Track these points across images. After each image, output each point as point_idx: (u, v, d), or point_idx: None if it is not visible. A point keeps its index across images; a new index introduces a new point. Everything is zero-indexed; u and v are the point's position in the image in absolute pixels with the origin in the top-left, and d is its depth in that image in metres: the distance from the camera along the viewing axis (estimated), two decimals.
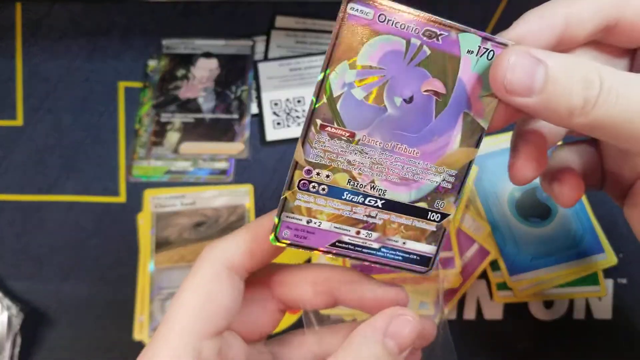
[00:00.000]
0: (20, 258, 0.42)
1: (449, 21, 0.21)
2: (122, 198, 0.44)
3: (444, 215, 0.23)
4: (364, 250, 0.23)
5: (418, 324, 0.23)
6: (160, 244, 0.42)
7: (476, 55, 0.22)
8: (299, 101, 0.46)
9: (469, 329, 0.40)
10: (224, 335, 0.23)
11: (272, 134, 0.45)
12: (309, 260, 0.42)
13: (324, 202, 0.23)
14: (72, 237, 0.43)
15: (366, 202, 0.23)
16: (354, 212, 0.23)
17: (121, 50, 0.48)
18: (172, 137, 0.45)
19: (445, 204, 0.23)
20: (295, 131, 0.45)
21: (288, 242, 0.22)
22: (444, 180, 0.23)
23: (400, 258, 0.23)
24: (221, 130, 0.45)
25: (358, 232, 0.23)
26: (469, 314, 0.41)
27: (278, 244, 0.22)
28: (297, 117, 0.45)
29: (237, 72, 0.47)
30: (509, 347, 0.40)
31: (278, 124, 0.45)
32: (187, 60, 0.47)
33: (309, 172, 0.23)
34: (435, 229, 0.23)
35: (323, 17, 0.48)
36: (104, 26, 0.48)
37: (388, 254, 0.23)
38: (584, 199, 0.42)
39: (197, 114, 0.45)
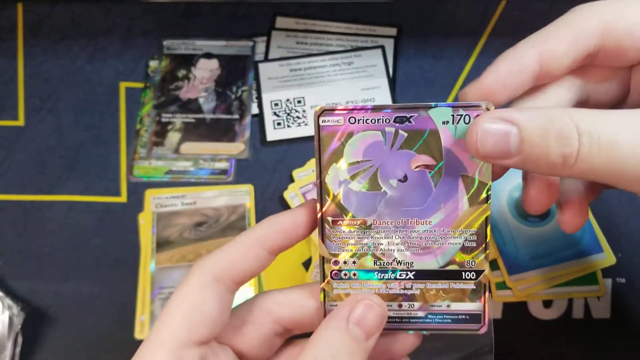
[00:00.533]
0: (22, 258, 0.43)
1: (412, 104, 0.22)
2: (123, 198, 0.44)
3: (478, 272, 0.23)
4: (411, 320, 0.24)
5: (383, 309, 0.23)
6: (161, 244, 0.42)
7: (453, 123, 0.22)
8: (299, 101, 0.46)
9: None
10: (211, 346, 0.23)
11: (273, 134, 0.45)
12: (308, 261, 0.42)
13: (358, 285, 0.24)
14: (73, 236, 0.43)
15: (397, 276, 0.24)
16: (390, 288, 0.24)
17: (122, 51, 0.48)
18: (173, 137, 0.45)
19: (476, 261, 0.23)
20: (296, 131, 0.45)
21: None
22: (466, 240, 0.23)
23: (449, 321, 0.24)
24: (222, 131, 0.45)
25: (400, 305, 0.24)
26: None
27: None
28: (298, 117, 0.45)
29: (237, 73, 0.47)
30: (508, 347, 0.40)
31: (278, 124, 0.45)
32: (188, 61, 0.47)
33: (336, 262, 0.24)
34: (474, 287, 0.24)
35: (323, 18, 0.48)
36: (105, 27, 0.49)
37: (436, 319, 0.24)
38: None
39: (197, 114, 0.46)
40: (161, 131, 0.45)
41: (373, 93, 0.46)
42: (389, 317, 0.24)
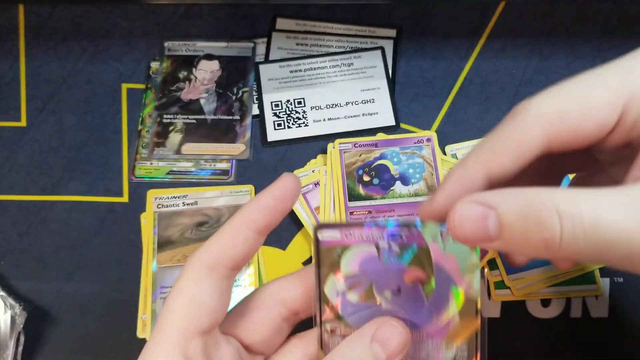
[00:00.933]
0: (24, 257, 0.43)
1: (405, 220, 0.23)
2: (124, 198, 0.44)
3: None
4: None
5: (407, 335, 0.23)
6: (163, 244, 0.42)
7: (442, 240, 0.23)
8: (299, 102, 0.46)
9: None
10: (213, 335, 0.23)
11: (273, 134, 0.45)
12: (308, 261, 0.42)
13: None
14: (75, 236, 0.43)
15: None
16: None
17: (123, 52, 0.48)
18: (175, 138, 0.45)
19: None
20: (296, 132, 0.45)
21: None
22: (457, 354, 0.24)
23: None
24: (223, 131, 0.45)
25: None
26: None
27: None
28: (298, 118, 0.46)
29: (238, 74, 0.47)
30: (507, 345, 0.40)
31: (279, 125, 0.46)
32: (189, 62, 0.48)
33: None
34: None
35: (323, 19, 0.49)
36: (106, 28, 0.49)
37: None
38: None
39: (199, 115, 0.46)
40: (163, 132, 0.45)
41: (373, 94, 0.46)
42: None
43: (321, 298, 0.24)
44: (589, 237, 0.18)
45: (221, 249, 0.23)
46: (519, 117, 0.22)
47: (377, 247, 0.24)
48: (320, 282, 0.24)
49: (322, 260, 0.24)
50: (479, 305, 0.23)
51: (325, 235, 0.24)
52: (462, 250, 0.23)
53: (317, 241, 0.24)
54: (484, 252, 0.41)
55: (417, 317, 0.24)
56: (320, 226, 0.24)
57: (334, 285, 0.24)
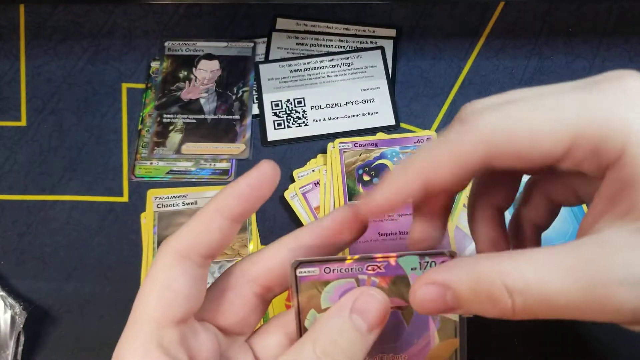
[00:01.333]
0: (24, 257, 0.43)
1: (382, 254, 0.23)
2: (124, 198, 0.44)
3: None
4: None
5: (386, 302, 0.23)
6: None
7: (420, 269, 0.24)
8: (299, 102, 0.46)
9: (467, 326, 0.41)
10: (190, 323, 0.23)
11: (273, 134, 0.45)
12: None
13: None
14: (76, 236, 0.43)
15: None
16: None
17: (123, 52, 0.48)
18: (175, 137, 0.45)
19: None
20: (296, 132, 0.45)
21: None
22: None
23: None
24: (223, 131, 0.46)
25: None
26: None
27: None
28: (298, 118, 0.46)
29: (238, 74, 0.48)
30: (507, 344, 0.40)
31: (279, 124, 0.46)
32: (189, 62, 0.48)
33: None
34: None
35: (323, 19, 0.49)
36: (107, 28, 0.49)
37: None
38: None
39: (199, 115, 0.46)
40: (163, 132, 0.45)
41: (373, 94, 0.46)
42: None
43: (302, 332, 0.24)
44: (539, 307, 0.19)
45: (194, 237, 0.23)
46: (464, 129, 0.22)
47: (357, 280, 0.24)
48: (300, 317, 0.24)
49: (302, 295, 0.24)
50: (457, 326, 0.24)
51: (304, 272, 0.24)
52: None
53: (295, 278, 0.24)
54: None
55: (399, 341, 0.25)
56: (299, 263, 0.24)
57: (314, 318, 0.24)
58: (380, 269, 0.24)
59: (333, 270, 0.24)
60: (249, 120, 0.46)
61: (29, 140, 0.46)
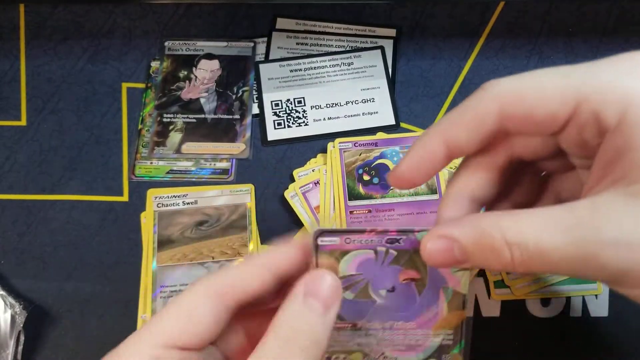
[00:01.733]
0: (24, 257, 0.43)
1: (403, 228, 0.25)
2: (125, 197, 0.44)
3: None
4: None
5: (335, 281, 0.24)
6: (163, 243, 0.42)
7: None
8: (299, 102, 0.46)
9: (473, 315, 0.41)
10: (192, 355, 0.23)
11: (273, 134, 0.45)
12: None
13: None
14: (76, 236, 0.43)
15: None
16: None
17: (124, 52, 0.48)
18: (175, 137, 0.45)
19: (450, 356, 0.27)
20: (296, 131, 0.45)
21: None
22: (443, 339, 0.26)
23: None
24: (223, 131, 0.46)
25: None
26: (467, 311, 0.41)
27: None
28: (298, 117, 0.46)
29: (238, 73, 0.48)
30: (506, 344, 0.41)
31: (279, 124, 0.46)
32: (189, 62, 0.48)
33: (328, 359, 0.26)
34: None
35: (323, 19, 0.49)
36: (107, 28, 0.49)
37: None
38: None
39: (199, 115, 0.46)
40: (163, 131, 0.45)
41: (373, 93, 0.46)
42: None
43: None
44: (535, 260, 0.20)
45: (235, 281, 0.24)
46: (481, 93, 0.23)
47: (376, 251, 0.25)
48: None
49: (320, 262, 0.25)
50: (466, 299, 0.26)
51: (325, 241, 0.25)
52: None
53: (316, 246, 0.24)
54: None
55: (409, 310, 0.26)
56: (320, 232, 0.24)
57: None
58: (399, 242, 0.25)
59: (353, 240, 0.25)
60: (249, 119, 0.46)
61: (29, 139, 0.46)
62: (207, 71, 0.47)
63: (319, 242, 0.25)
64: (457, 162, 0.43)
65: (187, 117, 0.46)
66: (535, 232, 0.20)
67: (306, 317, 0.23)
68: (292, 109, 0.46)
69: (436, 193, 0.41)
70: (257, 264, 0.24)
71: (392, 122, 0.46)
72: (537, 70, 0.23)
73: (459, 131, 0.23)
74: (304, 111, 0.46)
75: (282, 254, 0.24)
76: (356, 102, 0.46)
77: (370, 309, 0.26)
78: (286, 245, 0.25)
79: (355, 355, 0.26)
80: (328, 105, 0.46)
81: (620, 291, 0.21)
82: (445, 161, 0.24)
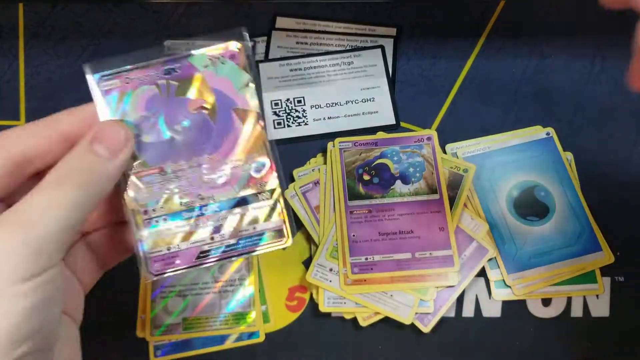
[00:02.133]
0: None
1: (173, 55, 0.26)
2: None
3: (272, 192, 0.27)
4: (226, 249, 0.26)
5: (125, 129, 0.24)
6: None
7: (213, 65, 0.26)
8: (299, 101, 0.46)
9: (468, 326, 0.41)
10: None
11: (273, 133, 0.45)
12: (308, 260, 0.42)
13: (171, 227, 0.26)
14: None
15: (204, 212, 0.26)
16: (199, 225, 0.26)
17: (123, 51, 0.48)
18: None
19: (268, 182, 0.27)
20: (296, 131, 0.45)
21: (163, 272, 0.26)
22: (255, 165, 0.26)
23: (258, 241, 0.27)
24: None
25: (212, 238, 0.26)
26: (468, 311, 0.41)
27: (155, 278, 0.26)
28: (298, 117, 0.46)
29: None
30: (507, 345, 0.40)
31: (279, 123, 0.46)
32: None
33: (145, 212, 0.26)
34: (272, 204, 0.27)
35: (323, 18, 0.49)
36: (106, 27, 0.49)
37: (248, 243, 0.27)
38: (581, 197, 0.42)
39: None
40: None
41: (373, 93, 0.46)
42: (204, 251, 0.26)
43: None
44: None
45: (17, 134, 0.24)
46: None
47: (158, 86, 0.26)
48: None
49: (103, 107, 0.26)
50: (259, 117, 0.26)
51: (105, 85, 0.26)
52: (234, 71, 0.26)
53: (95, 90, 0.26)
54: (483, 252, 0.41)
55: (210, 141, 0.26)
56: (100, 77, 0.26)
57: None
58: (176, 71, 0.26)
59: (132, 79, 0.25)
60: None
61: None
62: None
63: (102, 88, 0.25)
64: (458, 162, 0.43)
65: None
66: None
67: (89, 159, 0.23)
68: (292, 109, 0.46)
69: (437, 193, 0.41)
70: (39, 123, 0.24)
71: (392, 121, 0.45)
72: None
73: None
74: (304, 111, 0.46)
75: (66, 114, 0.25)
76: (356, 101, 0.46)
77: (171, 148, 0.26)
78: (73, 108, 0.25)
79: (170, 203, 0.26)
80: (328, 105, 0.46)
81: None
82: None
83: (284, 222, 0.27)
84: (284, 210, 0.27)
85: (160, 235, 0.26)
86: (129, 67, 0.26)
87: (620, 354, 0.40)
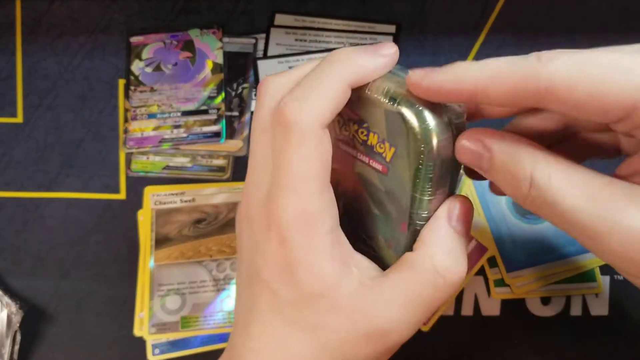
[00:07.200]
0: (20, 255, 0.43)
1: (180, 32, 0.41)
2: (122, 195, 0.44)
3: (218, 109, 0.43)
4: (180, 138, 0.42)
5: (471, 204, 0.25)
6: (160, 241, 0.42)
7: (200, 35, 0.44)
8: None
9: (467, 324, 0.41)
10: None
11: None
12: None
13: (148, 122, 0.43)
14: (72, 234, 0.43)
15: (172, 115, 0.43)
16: (167, 122, 0.43)
17: (121, 48, 0.48)
18: None
19: (216, 102, 0.43)
20: None
21: (135, 148, 0.42)
22: (209, 92, 0.43)
23: (202, 137, 0.43)
24: None
25: (172, 131, 0.42)
26: (467, 310, 0.41)
27: (127, 151, 0.43)
28: None
29: (238, 70, 0.47)
30: (506, 343, 0.40)
31: None
32: None
33: (134, 111, 0.43)
34: (216, 117, 0.43)
35: (322, 15, 0.48)
36: (104, 23, 0.48)
37: (194, 137, 0.42)
38: None
39: None
40: None
41: None
42: (165, 138, 0.42)
43: (129, 73, 0.43)
44: (547, 209, 0.20)
45: (363, 70, 0.25)
46: (537, 58, 0.21)
47: (164, 42, 0.44)
48: (129, 62, 0.43)
49: (132, 53, 0.43)
50: (223, 67, 0.43)
51: (134, 39, 0.44)
52: (212, 40, 0.44)
53: (128, 42, 0.42)
54: (482, 251, 0.41)
55: (187, 76, 0.43)
56: (133, 34, 0.42)
57: (137, 65, 0.44)
58: (178, 37, 0.42)
59: (150, 38, 0.45)
60: (247, 116, 0.45)
61: (26, 136, 0.46)
62: None
63: (131, 40, 0.42)
64: None
65: None
66: (560, 182, 0.20)
67: (457, 241, 0.24)
68: None
69: None
70: (335, 82, 0.24)
71: None
72: (597, 54, 0.22)
73: (497, 84, 0.21)
74: None
75: (359, 65, 0.26)
76: None
77: (162, 77, 0.43)
78: (362, 52, 0.26)
79: (152, 107, 0.43)
80: None
81: (623, 275, 0.21)
82: (468, 99, 0.22)
83: (223, 128, 0.42)
84: (223, 121, 0.42)
85: (140, 125, 0.42)
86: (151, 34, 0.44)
87: (619, 353, 0.40)
